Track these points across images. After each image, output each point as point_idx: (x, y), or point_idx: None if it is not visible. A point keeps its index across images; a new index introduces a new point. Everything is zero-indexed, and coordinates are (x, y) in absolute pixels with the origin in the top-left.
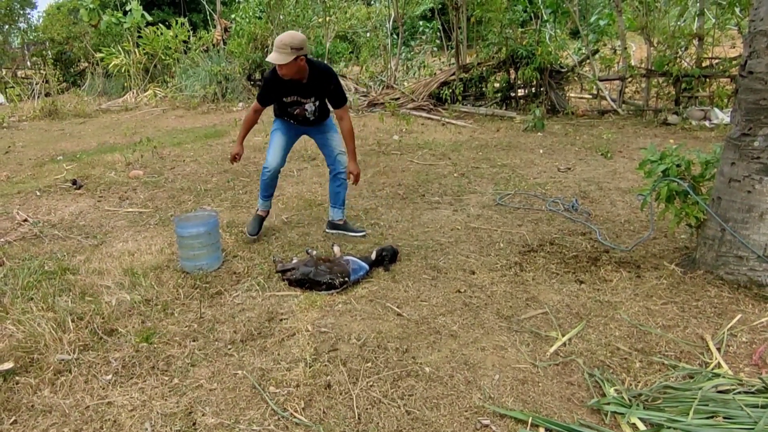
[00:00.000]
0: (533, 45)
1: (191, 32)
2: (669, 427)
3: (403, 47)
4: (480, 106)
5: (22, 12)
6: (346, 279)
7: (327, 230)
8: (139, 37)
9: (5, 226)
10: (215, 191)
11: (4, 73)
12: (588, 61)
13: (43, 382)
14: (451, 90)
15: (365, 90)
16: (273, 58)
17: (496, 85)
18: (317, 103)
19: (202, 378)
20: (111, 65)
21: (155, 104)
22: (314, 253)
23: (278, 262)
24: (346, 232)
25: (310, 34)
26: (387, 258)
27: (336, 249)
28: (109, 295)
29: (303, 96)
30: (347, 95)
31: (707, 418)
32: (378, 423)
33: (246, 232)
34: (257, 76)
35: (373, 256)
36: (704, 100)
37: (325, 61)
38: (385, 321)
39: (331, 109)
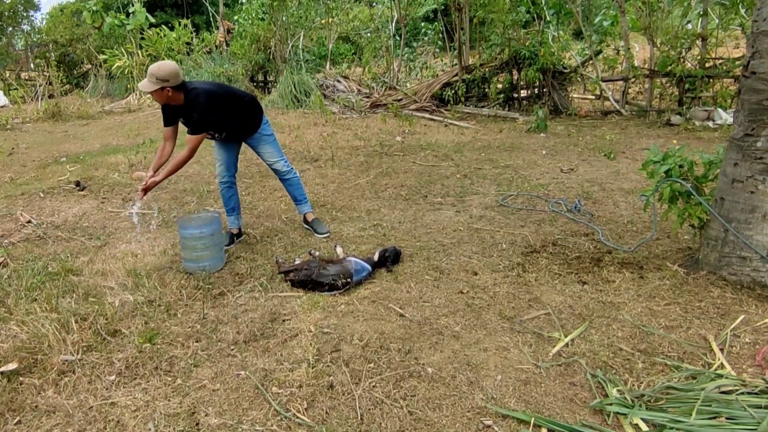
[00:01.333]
0: (536, 46)
1: (194, 34)
2: (672, 428)
3: (405, 48)
4: (483, 107)
5: (25, 14)
6: (349, 280)
7: (305, 226)
8: (142, 38)
9: (9, 228)
10: (218, 193)
11: (7, 74)
12: (591, 61)
13: (46, 382)
14: (453, 91)
15: (368, 91)
16: (141, 85)
17: (499, 86)
18: None
19: (205, 378)
20: (114, 67)
21: (158, 106)
22: (317, 254)
23: (281, 263)
24: (312, 230)
25: (312, 35)
26: (390, 259)
27: (339, 250)
28: (112, 296)
29: (186, 120)
30: (351, 97)
31: (710, 418)
32: (380, 423)
33: None
34: (260, 77)
35: (376, 257)
36: (707, 100)
37: (328, 63)
38: (388, 322)
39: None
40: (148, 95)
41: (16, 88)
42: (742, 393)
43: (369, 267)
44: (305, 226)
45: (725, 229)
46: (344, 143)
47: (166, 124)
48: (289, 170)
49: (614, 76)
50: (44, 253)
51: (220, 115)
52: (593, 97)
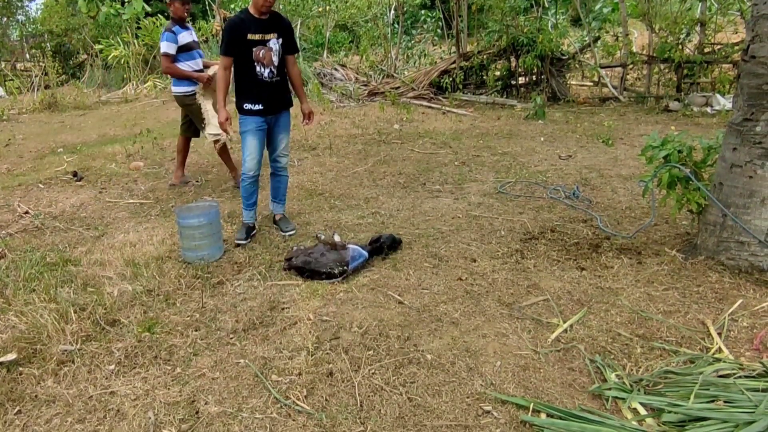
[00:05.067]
0: (534, 33)
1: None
2: (670, 412)
3: (403, 36)
4: (481, 94)
5: (20, 4)
6: (345, 268)
7: (274, 225)
8: (138, 28)
9: (7, 219)
10: (216, 182)
11: (3, 65)
12: (589, 48)
13: (46, 372)
14: (451, 79)
15: (365, 79)
16: None
17: (497, 73)
18: (280, 41)
19: (205, 367)
20: (110, 57)
21: (155, 95)
22: (323, 237)
23: (295, 250)
24: (278, 229)
25: (310, 24)
26: (385, 244)
27: (337, 238)
28: (111, 286)
29: (267, 31)
30: (349, 86)
31: (708, 402)
32: (380, 410)
33: (235, 237)
34: None
35: (371, 244)
36: (706, 86)
37: (325, 51)
38: (387, 309)
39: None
40: (146, 85)
41: (11, 79)
42: (740, 377)
43: (366, 253)
44: (274, 225)
45: (723, 214)
46: (342, 131)
47: (230, 53)
48: (287, 168)
49: (613, 62)
50: (42, 243)
51: None
52: (591, 83)
